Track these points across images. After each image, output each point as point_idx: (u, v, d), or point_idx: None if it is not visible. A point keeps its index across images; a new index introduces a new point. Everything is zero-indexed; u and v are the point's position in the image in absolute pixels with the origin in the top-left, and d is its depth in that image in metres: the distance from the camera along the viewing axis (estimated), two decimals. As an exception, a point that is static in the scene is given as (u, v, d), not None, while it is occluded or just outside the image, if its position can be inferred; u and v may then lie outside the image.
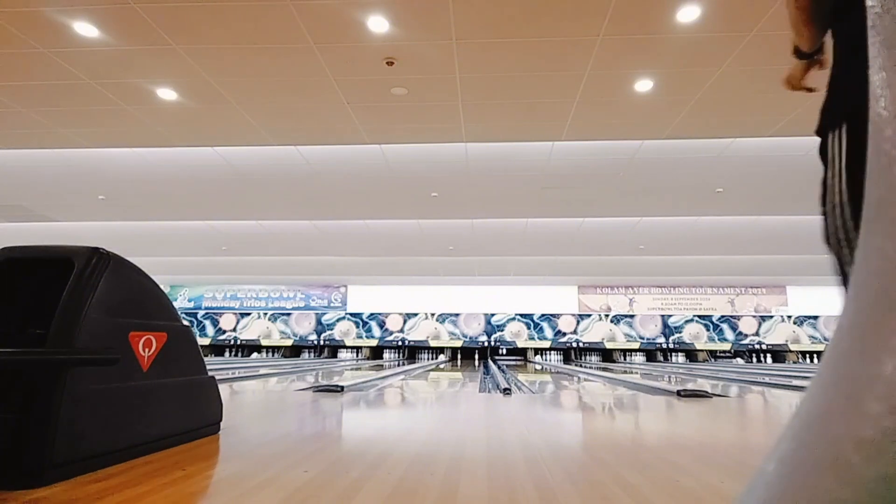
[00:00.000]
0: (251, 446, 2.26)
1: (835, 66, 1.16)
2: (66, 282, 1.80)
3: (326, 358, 16.63)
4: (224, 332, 17.70)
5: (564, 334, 16.99)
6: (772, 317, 16.77)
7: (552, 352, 17.02)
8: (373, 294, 17.48)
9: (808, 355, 16.55)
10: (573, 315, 17.08)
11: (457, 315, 17.27)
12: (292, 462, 1.96)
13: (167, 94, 5.19)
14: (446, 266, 14.02)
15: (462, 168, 7.06)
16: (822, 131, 1.13)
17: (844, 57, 1.14)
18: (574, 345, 16.90)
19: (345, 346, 17.36)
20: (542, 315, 17.12)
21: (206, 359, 2.54)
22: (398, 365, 12.75)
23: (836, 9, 1.21)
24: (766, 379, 7.59)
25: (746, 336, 16.64)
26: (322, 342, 17.36)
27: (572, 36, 4.21)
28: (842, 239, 1.06)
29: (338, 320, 17.52)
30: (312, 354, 17.38)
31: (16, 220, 9.67)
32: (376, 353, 17.39)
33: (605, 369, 11.88)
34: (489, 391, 5.50)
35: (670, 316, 16.87)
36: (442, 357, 16.88)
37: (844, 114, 1.08)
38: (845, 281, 1.09)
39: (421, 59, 4.54)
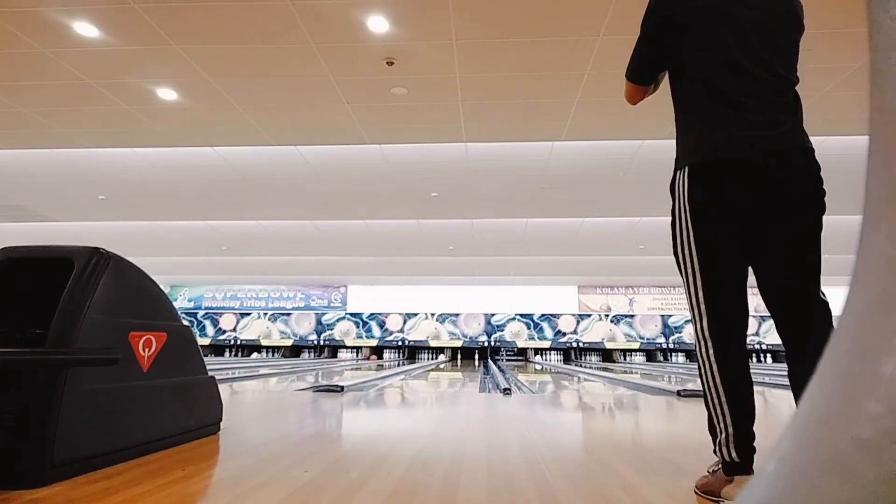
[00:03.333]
0: (251, 446, 2.26)
1: (676, 122, 1.58)
2: (66, 282, 1.79)
3: (326, 358, 16.63)
4: (224, 332, 17.70)
5: (564, 334, 16.99)
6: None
7: (552, 352, 17.01)
8: (373, 294, 17.48)
9: (808, 355, 16.54)
10: (573, 315, 17.08)
11: (457, 315, 17.27)
12: (292, 462, 1.96)
13: (167, 94, 5.19)
14: (446, 266, 14.02)
15: (462, 168, 7.06)
16: (674, 172, 1.54)
17: (678, 118, 1.57)
18: (574, 345, 16.90)
19: (345, 346, 17.36)
20: (542, 315, 17.12)
21: (206, 359, 2.53)
22: (397, 365, 12.74)
23: (670, 73, 1.63)
24: (766, 379, 7.59)
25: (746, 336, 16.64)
26: (322, 342, 17.36)
27: (572, 36, 4.21)
28: (684, 253, 1.51)
29: (338, 320, 17.52)
30: (312, 354, 17.38)
31: (16, 220, 9.67)
32: (376, 353, 17.39)
33: (605, 369, 11.88)
34: (489, 391, 5.50)
35: (670, 316, 16.86)
36: (442, 357, 16.87)
37: (686, 161, 1.49)
38: (679, 266, 1.54)
39: (421, 59, 4.54)
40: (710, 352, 1.49)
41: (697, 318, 1.52)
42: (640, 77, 1.65)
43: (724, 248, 1.48)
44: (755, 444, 1.47)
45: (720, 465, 1.51)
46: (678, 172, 1.54)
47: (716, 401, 1.48)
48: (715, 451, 1.51)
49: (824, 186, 1.52)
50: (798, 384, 1.47)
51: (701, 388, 1.55)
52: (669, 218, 1.60)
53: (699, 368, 1.54)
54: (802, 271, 1.47)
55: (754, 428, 1.50)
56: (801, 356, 1.46)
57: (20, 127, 5.91)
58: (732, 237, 1.47)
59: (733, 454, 1.44)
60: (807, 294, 1.46)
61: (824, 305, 1.46)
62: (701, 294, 1.49)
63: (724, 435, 1.47)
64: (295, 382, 6.47)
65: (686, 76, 1.54)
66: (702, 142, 1.49)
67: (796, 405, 1.37)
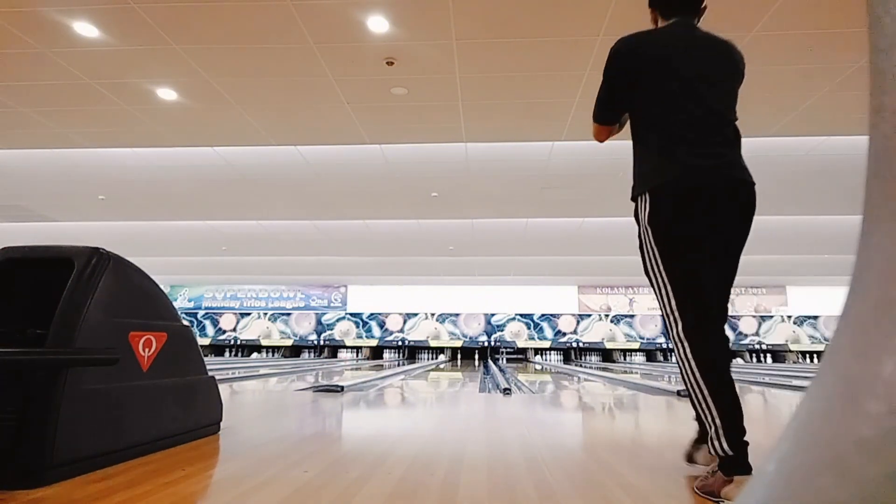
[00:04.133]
0: (251, 446, 2.26)
1: (633, 156, 1.80)
2: (66, 282, 1.79)
3: (326, 358, 16.63)
4: (224, 332, 17.70)
5: (564, 334, 16.99)
6: (772, 317, 16.77)
7: (552, 352, 17.01)
8: (373, 294, 17.48)
9: (808, 355, 16.55)
10: (573, 315, 17.08)
11: (457, 315, 17.27)
12: (292, 462, 1.96)
13: (167, 94, 5.19)
14: (446, 266, 14.02)
15: (462, 168, 7.06)
16: (633, 199, 1.76)
17: (635, 152, 1.79)
18: (574, 345, 16.90)
19: (345, 346, 17.36)
20: (542, 315, 17.12)
21: (206, 359, 2.53)
22: (398, 365, 12.74)
23: (630, 111, 1.84)
24: (766, 379, 7.59)
25: (746, 336, 16.65)
26: (322, 342, 17.36)
27: (572, 36, 4.21)
28: (654, 269, 1.70)
29: (338, 320, 17.52)
30: (312, 354, 17.38)
31: (16, 220, 9.67)
32: (376, 353, 17.39)
33: (605, 369, 11.88)
34: (489, 391, 5.50)
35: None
36: (442, 357, 16.87)
37: (643, 188, 1.70)
38: (651, 282, 1.72)
39: (421, 59, 4.54)
40: (688, 352, 1.61)
41: (673, 324, 1.66)
42: (604, 118, 1.89)
43: (686, 261, 1.67)
44: (748, 439, 1.53)
45: (719, 466, 1.56)
46: (639, 198, 1.74)
47: (700, 397, 1.58)
48: (710, 451, 1.59)
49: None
50: None
51: (686, 390, 1.67)
52: None
53: (680, 370, 1.66)
54: (730, 278, 1.75)
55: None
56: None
57: (20, 127, 5.91)
58: (690, 251, 1.67)
59: (725, 447, 1.51)
60: (727, 293, 1.76)
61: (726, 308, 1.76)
62: (673, 303, 1.65)
63: (713, 429, 1.54)
64: (295, 382, 6.48)
65: (641, 116, 1.78)
66: (656, 172, 1.70)
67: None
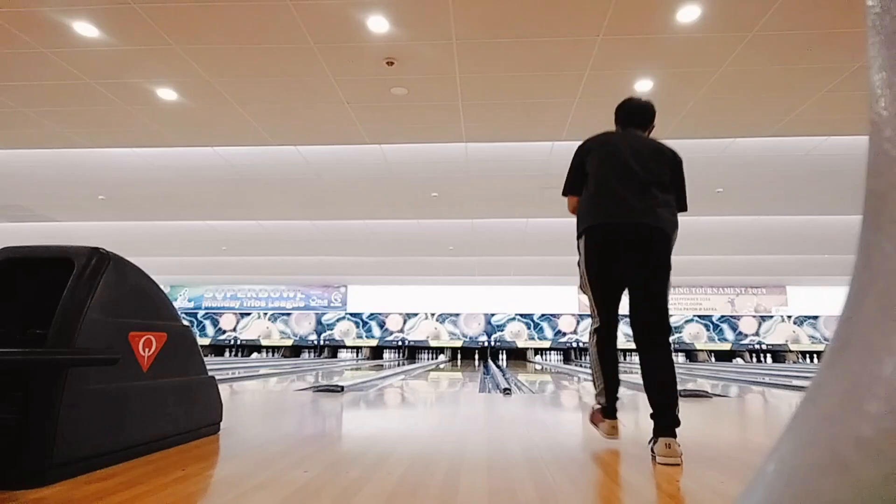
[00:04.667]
0: (251, 446, 2.26)
1: (577, 210, 2.42)
2: (66, 282, 1.79)
3: (326, 358, 16.63)
4: (224, 332, 17.70)
5: (564, 334, 16.99)
6: (772, 317, 16.77)
7: (552, 352, 17.01)
8: (373, 294, 17.48)
9: (808, 355, 16.55)
10: (573, 315, 17.08)
11: (457, 315, 17.26)
12: (292, 462, 1.96)
13: (167, 94, 5.19)
14: (446, 266, 14.02)
15: (462, 168, 7.07)
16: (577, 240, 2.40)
17: (579, 207, 2.40)
18: (574, 345, 16.90)
19: (345, 346, 17.36)
20: (542, 315, 17.11)
21: (206, 359, 2.53)
22: (398, 365, 12.74)
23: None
24: (766, 379, 7.59)
25: (746, 336, 16.64)
26: (322, 342, 17.36)
27: (572, 36, 4.21)
28: (584, 284, 2.36)
29: (338, 320, 17.52)
30: (312, 354, 17.38)
31: (16, 220, 9.67)
32: (376, 353, 17.39)
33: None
34: (489, 391, 5.50)
35: (670, 316, 16.85)
36: (442, 357, 16.87)
37: (581, 228, 2.34)
38: (584, 292, 2.40)
39: (421, 59, 4.54)
40: (596, 340, 2.37)
41: (595, 321, 2.37)
42: (572, 191, 2.52)
43: (607, 282, 2.32)
44: (619, 395, 2.41)
45: (599, 410, 2.38)
46: (579, 237, 2.39)
47: (597, 370, 2.39)
48: (595, 400, 2.42)
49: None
50: (649, 370, 2.19)
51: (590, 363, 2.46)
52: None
53: (591, 351, 2.41)
54: (652, 295, 2.24)
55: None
56: (652, 347, 2.21)
57: (20, 127, 5.91)
58: (611, 275, 2.30)
59: (602, 401, 2.37)
60: (656, 307, 2.23)
61: (664, 314, 2.25)
62: (597, 309, 2.35)
63: (599, 389, 2.38)
64: (295, 382, 6.48)
65: (586, 185, 2.42)
66: (590, 218, 2.34)
67: (647, 392, 2.14)
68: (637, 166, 2.28)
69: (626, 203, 2.23)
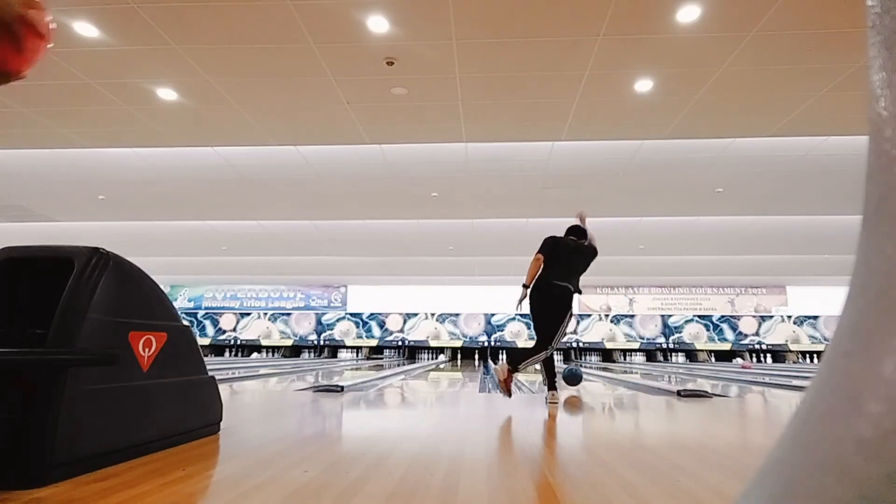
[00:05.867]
0: (251, 446, 2.26)
1: (539, 273, 4.17)
2: (66, 282, 1.79)
3: (326, 358, 16.63)
4: (224, 332, 17.70)
5: (564, 334, 16.97)
6: (772, 317, 16.77)
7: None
8: (373, 294, 17.48)
9: (808, 355, 16.55)
10: (573, 315, 17.07)
11: (457, 315, 17.27)
12: (292, 462, 1.96)
13: (167, 94, 5.19)
14: (446, 266, 14.02)
15: (462, 168, 7.07)
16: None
17: (541, 272, 4.15)
18: (574, 345, 16.90)
19: (345, 346, 17.36)
20: (542, 315, 17.08)
21: (206, 359, 2.53)
22: (397, 365, 12.74)
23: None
24: (766, 379, 7.59)
25: (746, 336, 16.64)
26: (322, 342, 17.36)
27: (572, 36, 4.21)
28: (532, 315, 4.24)
29: (338, 320, 17.53)
30: (312, 354, 17.38)
31: (16, 220, 9.67)
32: (376, 352, 17.38)
33: (605, 369, 11.88)
34: (489, 391, 5.49)
35: (670, 316, 16.87)
36: (442, 357, 16.87)
37: (534, 284, 4.13)
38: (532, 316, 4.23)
39: (421, 59, 4.54)
40: (538, 349, 3.94)
41: (538, 338, 3.99)
42: (542, 252, 4.12)
43: (542, 316, 4.04)
44: (557, 380, 4.16)
45: (546, 386, 4.07)
46: (532, 288, 4.09)
47: (542, 364, 4.05)
48: (515, 366, 3.98)
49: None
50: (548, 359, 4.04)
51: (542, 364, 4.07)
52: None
53: (536, 353, 3.95)
54: (555, 328, 3.98)
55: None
56: (552, 347, 3.99)
57: (20, 127, 5.91)
58: (544, 311, 4.03)
59: (546, 384, 4.10)
60: (557, 332, 3.99)
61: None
62: (537, 331, 4.03)
63: (543, 377, 4.18)
64: (295, 382, 6.47)
65: (548, 260, 4.08)
66: (540, 279, 4.05)
67: (544, 382, 4.04)
68: (573, 260, 4.19)
69: (564, 277, 4.07)
